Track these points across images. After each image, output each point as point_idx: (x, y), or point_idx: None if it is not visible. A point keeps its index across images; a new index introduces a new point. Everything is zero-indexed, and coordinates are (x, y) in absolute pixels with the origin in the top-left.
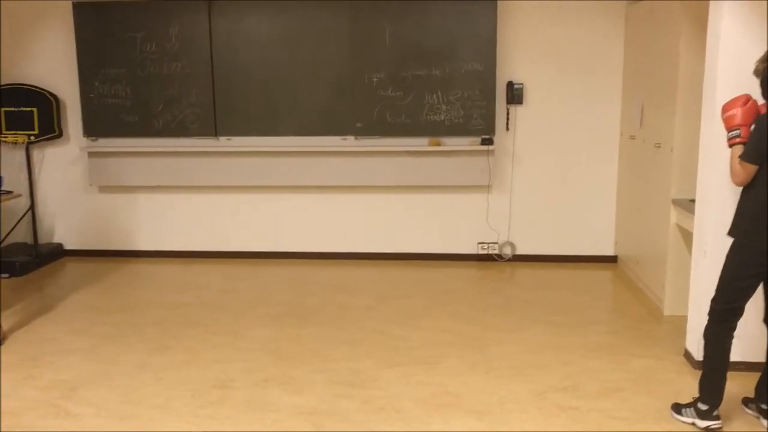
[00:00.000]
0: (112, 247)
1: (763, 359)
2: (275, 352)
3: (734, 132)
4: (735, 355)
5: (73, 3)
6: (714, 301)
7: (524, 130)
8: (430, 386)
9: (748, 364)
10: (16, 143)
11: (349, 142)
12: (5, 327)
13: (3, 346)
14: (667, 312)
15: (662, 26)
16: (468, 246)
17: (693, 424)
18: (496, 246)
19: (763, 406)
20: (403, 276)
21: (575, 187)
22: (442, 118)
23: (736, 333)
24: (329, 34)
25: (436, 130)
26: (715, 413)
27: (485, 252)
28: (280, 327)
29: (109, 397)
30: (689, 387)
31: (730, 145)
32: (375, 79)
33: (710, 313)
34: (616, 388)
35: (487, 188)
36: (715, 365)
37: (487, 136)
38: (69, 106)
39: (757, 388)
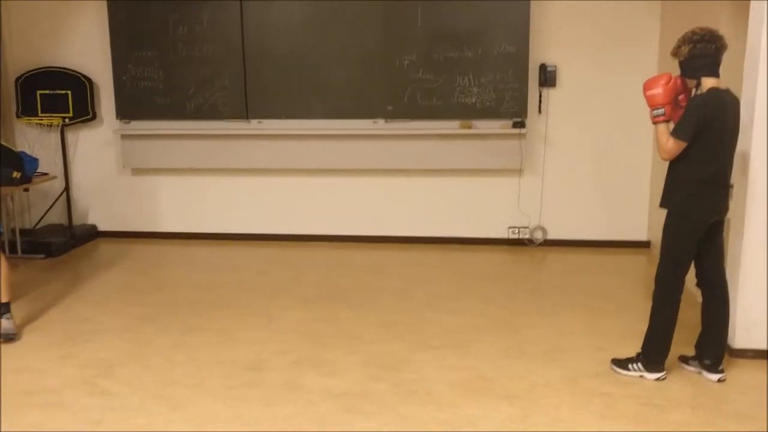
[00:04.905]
0: (146, 229)
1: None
2: (308, 334)
3: (658, 110)
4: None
5: None
6: (662, 274)
7: (557, 113)
8: (462, 370)
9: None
10: (51, 126)
11: (380, 125)
12: (37, 307)
13: (38, 324)
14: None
15: (700, 12)
16: (499, 230)
17: (641, 377)
18: (527, 230)
19: (706, 362)
20: (434, 260)
21: (608, 171)
22: (474, 100)
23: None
24: (361, 15)
25: (467, 112)
26: (661, 366)
27: (516, 236)
28: (313, 309)
29: (144, 376)
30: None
31: (654, 123)
32: (406, 62)
33: (661, 285)
34: None
35: (518, 172)
36: (666, 326)
37: (519, 119)
38: (102, 89)
39: (698, 345)
